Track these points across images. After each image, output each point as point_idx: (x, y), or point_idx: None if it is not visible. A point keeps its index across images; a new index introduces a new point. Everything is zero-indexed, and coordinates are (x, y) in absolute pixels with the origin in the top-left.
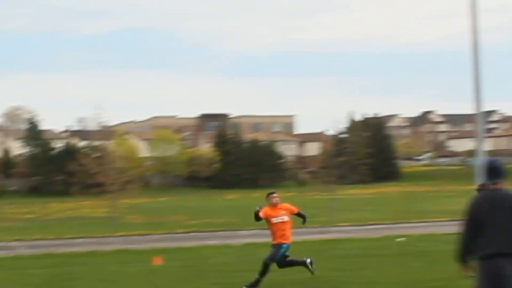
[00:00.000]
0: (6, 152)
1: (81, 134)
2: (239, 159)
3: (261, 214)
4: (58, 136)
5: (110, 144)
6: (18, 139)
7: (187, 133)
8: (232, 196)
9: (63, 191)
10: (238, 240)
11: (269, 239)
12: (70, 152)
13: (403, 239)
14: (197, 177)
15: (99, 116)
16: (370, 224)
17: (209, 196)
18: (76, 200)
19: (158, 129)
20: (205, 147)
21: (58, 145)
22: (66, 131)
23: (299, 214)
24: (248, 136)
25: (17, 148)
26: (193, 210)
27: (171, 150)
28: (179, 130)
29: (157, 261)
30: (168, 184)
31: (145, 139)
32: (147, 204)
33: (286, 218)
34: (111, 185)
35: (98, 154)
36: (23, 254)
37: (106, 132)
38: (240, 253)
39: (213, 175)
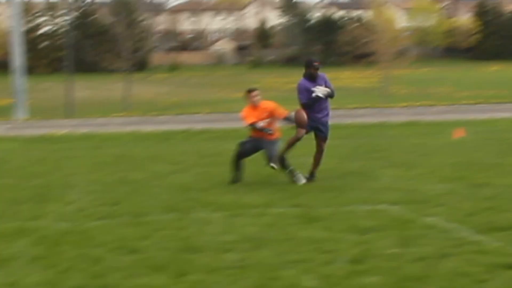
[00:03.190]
0: (263, 22)
1: (338, 4)
2: (499, 30)
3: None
4: (314, 6)
5: (369, 15)
6: (275, 9)
7: (446, 2)
8: (495, 68)
9: (321, 61)
10: None
11: None
12: (327, 23)
13: None
14: (455, 49)
15: None
16: None
17: (471, 68)
18: (334, 71)
19: None
20: (464, 18)
21: (315, 15)
22: (321, 1)
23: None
24: (508, 7)
25: (274, 19)
26: (458, 81)
27: (430, 21)
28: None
29: (459, 133)
30: (426, 56)
31: (403, 9)
32: (407, 75)
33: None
34: (380, 56)
35: (359, 24)
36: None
37: (364, 2)
38: None
39: (472, 47)
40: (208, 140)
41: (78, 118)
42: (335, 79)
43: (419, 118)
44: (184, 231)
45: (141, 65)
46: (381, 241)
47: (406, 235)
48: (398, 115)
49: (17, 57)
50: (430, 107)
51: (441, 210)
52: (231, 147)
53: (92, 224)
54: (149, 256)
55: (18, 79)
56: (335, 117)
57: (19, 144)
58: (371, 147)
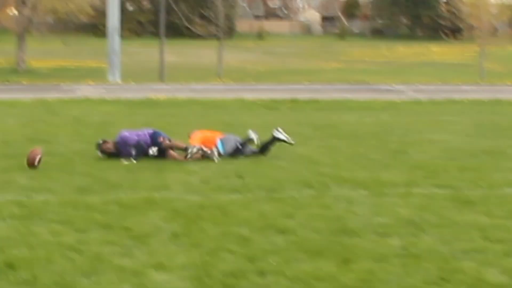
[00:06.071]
0: None
1: None
2: None
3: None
4: None
5: None
6: None
7: None
8: None
9: (407, 35)
10: None
11: None
12: None
13: None
14: None
15: None
16: None
17: None
18: (422, 45)
19: None
20: None
21: None
22: None
23: None
24: None
25: None
26: None
27: None
28: None
29: None
30: None
31: None
32: (496, 52)
33: None
34: (479, 31)
35: None
36: (419, 99)
37: None
38: None
39: None
40: (317, 111)
41: (172, 83)
42: (424, 54)
43: None
44: (330, 210)
45: (229, 32)
46: None
47: None
48: (507, 93)
49: (112, 19)
50: None
51: None
52: (343, 119)
53: (225, 197)
54: (302, 238)
55: (113, 41)
56: (441, 92)
57: (121, 107)
58: (493, 125)
